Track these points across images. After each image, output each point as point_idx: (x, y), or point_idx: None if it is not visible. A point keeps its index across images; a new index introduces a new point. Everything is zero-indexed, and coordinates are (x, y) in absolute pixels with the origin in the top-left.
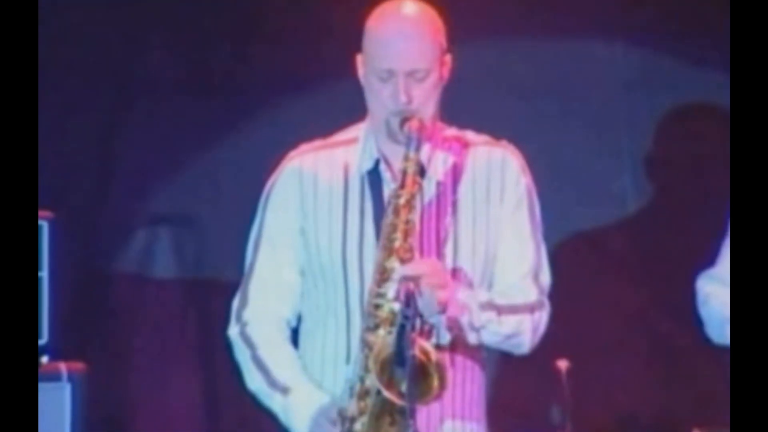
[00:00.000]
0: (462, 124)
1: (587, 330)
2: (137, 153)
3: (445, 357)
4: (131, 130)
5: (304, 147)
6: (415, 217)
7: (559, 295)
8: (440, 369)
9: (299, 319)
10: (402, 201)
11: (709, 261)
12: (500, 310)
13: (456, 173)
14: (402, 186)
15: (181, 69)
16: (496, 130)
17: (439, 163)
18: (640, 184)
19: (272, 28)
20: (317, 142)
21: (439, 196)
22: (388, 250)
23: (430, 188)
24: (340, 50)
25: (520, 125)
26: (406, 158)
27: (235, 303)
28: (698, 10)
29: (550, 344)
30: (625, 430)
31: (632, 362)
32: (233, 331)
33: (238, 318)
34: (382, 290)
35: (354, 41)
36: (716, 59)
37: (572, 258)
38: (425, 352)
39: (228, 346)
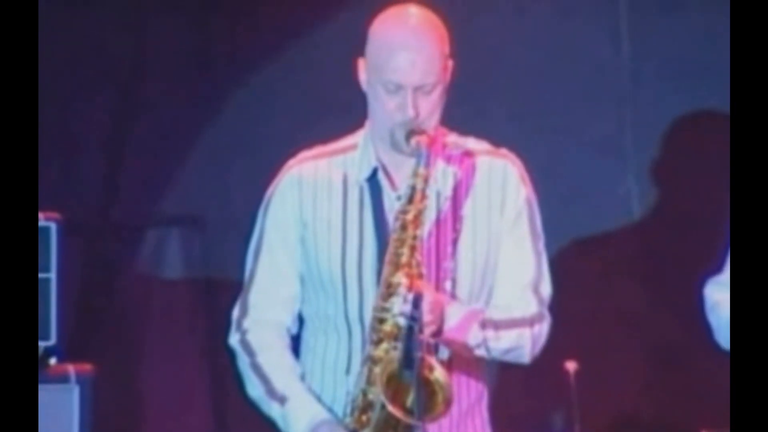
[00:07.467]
0: (459, 128)
1: (592, 333)
2: (145, 154)
3: (447, 372)
4: (140, 130)
5: (303, 155)
6: (423, 232)
7: (564, 297)
8: (444, 387)
9: (300, 325)
10: (410, 217)
11: (714, 265)
12: (498, 326)
13: (458, 185)
14: (410, 202)
15: (189, 71)
16: (500, 135)
17: (440, 175)
18: (645, 187)
19: (288, 39)
20: (316, 150)
21: (441, 209)
22: (395, 265)
23: (432, 200)
24: (350, 53)
25: (524, 128)
26: (415, 174)
27: (236, 312)
28: (702, 12)
29: (554, 346)
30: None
31: (637, 365)
32: (233, 339)
33: (239, 326)
34: (386, 305)
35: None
36: (720, 62)
37: (577, 261)
38: (430, 368)
39: (232, 353)
